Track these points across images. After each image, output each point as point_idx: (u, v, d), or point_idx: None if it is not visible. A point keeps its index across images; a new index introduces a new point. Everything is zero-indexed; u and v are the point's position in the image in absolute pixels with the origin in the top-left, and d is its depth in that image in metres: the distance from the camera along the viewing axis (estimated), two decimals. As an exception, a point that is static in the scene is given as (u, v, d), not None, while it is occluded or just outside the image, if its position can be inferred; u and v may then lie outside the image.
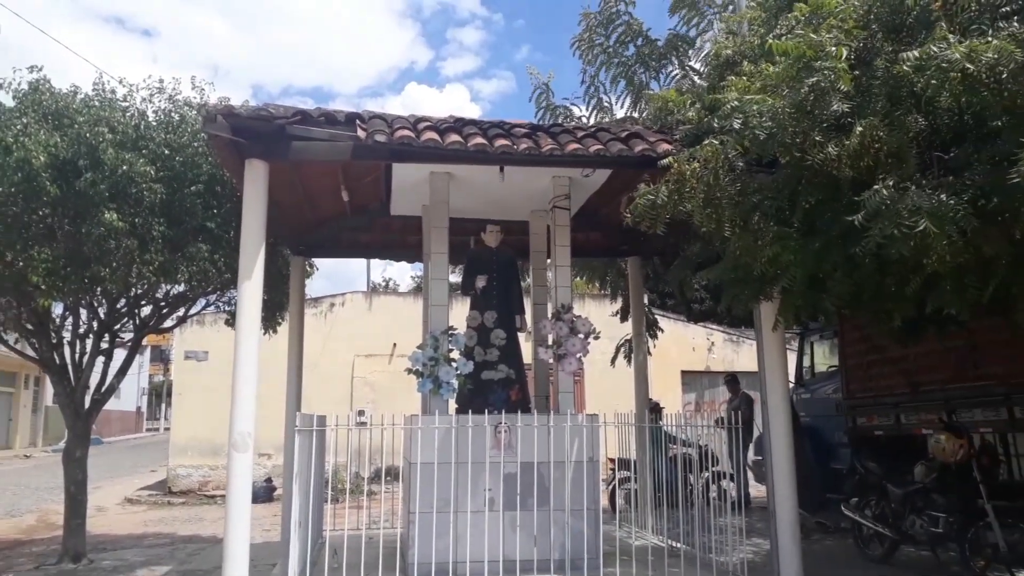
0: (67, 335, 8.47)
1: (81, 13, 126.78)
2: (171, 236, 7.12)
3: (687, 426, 7.22)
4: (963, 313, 4.22)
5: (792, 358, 9.81)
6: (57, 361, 8.28)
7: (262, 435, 5.26)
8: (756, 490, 10.08)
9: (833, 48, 3.94)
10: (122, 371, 8.74)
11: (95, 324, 8.43)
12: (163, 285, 8.20)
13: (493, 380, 6.55)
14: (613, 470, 10.03)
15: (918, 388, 7.85)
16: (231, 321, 7.78)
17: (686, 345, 17.57)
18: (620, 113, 8.30)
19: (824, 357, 11.02)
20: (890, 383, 8.34)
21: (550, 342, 6.29)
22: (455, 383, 5.96)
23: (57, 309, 8.27)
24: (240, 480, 4.92)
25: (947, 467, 6.49)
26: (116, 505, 14.08)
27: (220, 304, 9.03)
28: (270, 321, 8.66)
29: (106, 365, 8.62)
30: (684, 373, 17.76)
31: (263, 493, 12.78)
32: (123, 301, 8.39)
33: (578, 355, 6.24)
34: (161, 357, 43.47)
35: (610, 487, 10.06)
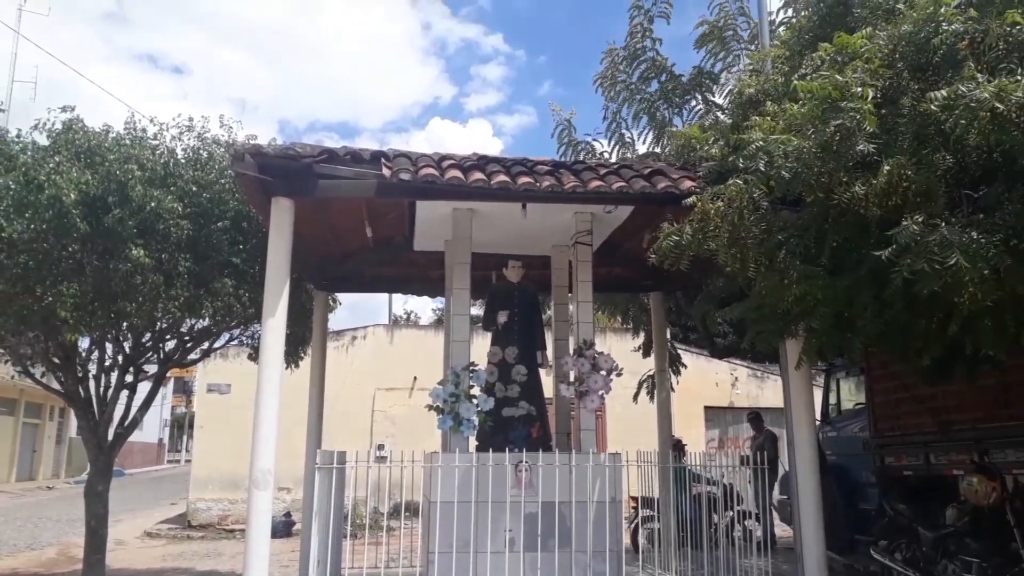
0: (92, 369, 8.54)
1: (114, 52, 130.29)
2: (197, 272, 7.18)
3: (711, 464, 7.10)
4: (999, 352, 4.13)
5: (818, 395, 9.65)
6: (82, 395, 8.34)
7: (282, 469, 5.25)
8: (782, 530, 9.87)
9: (859, 89, 3.93)
10: (145, 404, 8.78)
11: (120, 358, 8.49)
12: (188, 320, 8.25)
13: (514, 417, 6.49)
14: (635, 508, 9.88)
15: (948, 427, 7.66)
16: (254, 355, 7.81)
17: (709, 380, 17.37)
18: (642, 149, 8.32)
19: (851, 394, 10.82)
20: (919, 422, 8.15)
21: (572, 379, 6.24)
22: (475, 420, 5.92)
23: (83, 343, 8.35)
24: (259, 517, 4.90)
25: (980, 510, 6.31)
26: (136, 539, 14.06)
27: (244, 339, 9.08)
28: (293, 355, 8.68)
29: (130, 399, 8.66)
30: (707, 409, 17.53)
31: (282, 528, 12.71)
32: (148, 335, 8.45)
33: (600, 392, 6.18)
34: (184, 389, 43.77)
35: (632, 526, 9.89)
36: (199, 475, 15.17)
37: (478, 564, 5.37)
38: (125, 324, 7.86)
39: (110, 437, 8.48)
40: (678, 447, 9.26)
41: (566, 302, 7.40)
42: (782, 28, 7.11)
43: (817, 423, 7.27)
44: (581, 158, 8.08)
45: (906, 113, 3.96)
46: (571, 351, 6.46)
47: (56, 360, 8.14)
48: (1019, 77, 3.58)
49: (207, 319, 8.04)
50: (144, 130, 7.88)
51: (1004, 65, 3.90)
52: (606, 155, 8.58)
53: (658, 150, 8.02)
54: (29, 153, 6.98)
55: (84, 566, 8.28)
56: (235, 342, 9.48)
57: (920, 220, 3.72)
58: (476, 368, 6.11)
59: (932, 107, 3.72)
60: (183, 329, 8.66)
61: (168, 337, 8.72)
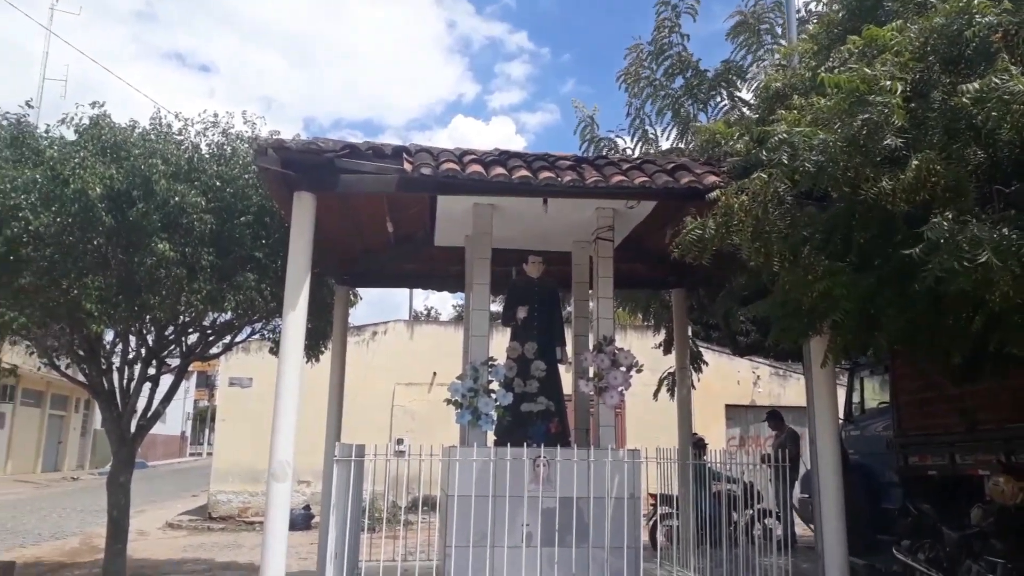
0: (116, 361, 8.64)
1: (143, 50, 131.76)
2: (219, 265, 7.24)
3: (731, 462, 7.04)
4: (1027, 351, 4.05)
5: (841, 393, 9.55)
6: (105, 387, 8.44)
7: (302, 462, 5.27)
8: (802, 529, 9.78)
9: (888, 82, 3.86)
10: (168, 397, 8.87)
11: (143, 351, 8.59)
12: (210, 313, 8.32)
13: (532, 412, 6.47)
14: (654, 505, 9.83)
15: (974, 426, 7.55)
16: (275, 349, 7.86)
17: (731, 378, 17.25)
18: (665, 144, 8.25)
19: (874, 393, 10.69)
20: (944, 421, 8.03)
21: (591, 375, 6.21)
22: (494, 415, 5.91)
23: (107, 336, 8.44)
24: (278, 509, 4.92)
25: (1005, 510, 6.21)
26: (157, 529, 14.24)
27: (265, 332, 9.14)
28: (313, 349, 8.73)
29: (152, 391, 8.76)
30: (728, 407, 17.41)
31: (301, 521, 12.80)
32: (171, 328, 8.54)
33: (620, 389, 6.14)
34: (206, 383, 44.23)
35: (650, 523, 9.85)
36: (220, 467, 15.33)
37: (495, 558, 5.37)
38: (148, 317, 7.94)
39: (133, 429, 8.58)
40: (699, 445, 9.20)
41: (586, 298, 7.37)
42: (810, 23, 7.00)
43: (840, 422, 7.19)
44: (604, 154, 8.01)
45: (936, 107, 3.89)
46: (591, 347, 6.43)
47: (81, 352, 8.24)
48: (1054, 70, 3.50)
49: (229, 313, 8.12)
50: (169, 125, 7.96)
51: (1038, 57, 3.82)
52: (629, 151, 8.51)
53: (682, 146, 7.94)
54: (56, 148, 7.05)
55: (106, 556, 8.39)
56: (257, 336, 9.55)
57: (949, 216, 3.65)
58: (495, 363, 6.09)
59: (964, 100, 3.65)
60: (206, 323, 8.74)
61: (191, 330, 8.80)
